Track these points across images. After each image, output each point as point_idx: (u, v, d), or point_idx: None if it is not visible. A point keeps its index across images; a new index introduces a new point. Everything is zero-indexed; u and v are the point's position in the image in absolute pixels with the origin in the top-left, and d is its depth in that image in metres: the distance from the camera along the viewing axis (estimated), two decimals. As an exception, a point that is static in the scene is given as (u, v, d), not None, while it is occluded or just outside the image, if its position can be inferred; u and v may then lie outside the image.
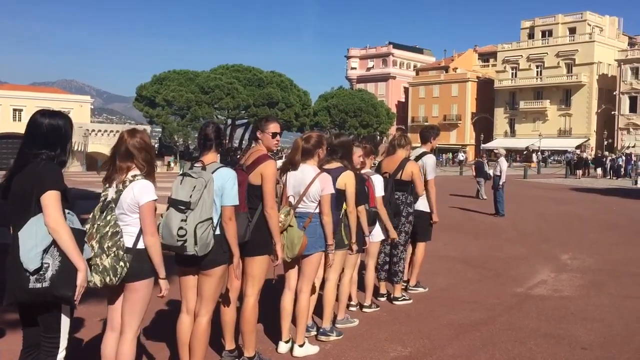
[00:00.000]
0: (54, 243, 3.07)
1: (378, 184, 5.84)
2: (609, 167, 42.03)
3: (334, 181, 4.87)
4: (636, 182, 31.99)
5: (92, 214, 3.57)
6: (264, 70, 67.84)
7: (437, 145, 10.84)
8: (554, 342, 5.22)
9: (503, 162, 16.07)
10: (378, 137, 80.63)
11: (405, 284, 6.82)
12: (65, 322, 3.23)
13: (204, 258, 3.83)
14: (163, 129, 64.31)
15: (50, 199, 3.06)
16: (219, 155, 4.08)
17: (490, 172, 19.71)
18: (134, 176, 3.53)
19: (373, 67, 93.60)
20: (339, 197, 4.94)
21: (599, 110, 66.29)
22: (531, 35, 73.37)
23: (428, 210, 6.76)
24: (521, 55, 72.77)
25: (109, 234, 3.44)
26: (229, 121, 66.45)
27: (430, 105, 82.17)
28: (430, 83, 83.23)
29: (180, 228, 3.68)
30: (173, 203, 3.78)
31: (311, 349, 4.83)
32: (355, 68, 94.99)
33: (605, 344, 5.18)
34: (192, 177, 3.81)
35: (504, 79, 74.24)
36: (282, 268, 4.74)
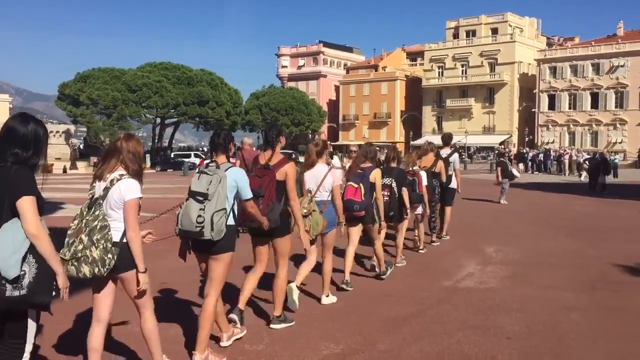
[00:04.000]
0: (30, 250, 3.10)
1: (424, 177, 8.93)
2: (530, 162, 43.92)
3: (368, 175, 6.82)
4: (580, 176, 32.98)
5: (80, 210, 3.80)
6: (193, 68, 66.69)
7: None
8: (481, 333, 5.38)
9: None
10: (310, 135, 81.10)
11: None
12: (31, 327, 3.26)
13: (215, 244, 4.38)
14: (88, 128, 62.09)
15: (28, 205, 3.09)
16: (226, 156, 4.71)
17: (514, 171, 19.64)
18: (122, 175, 3.80)
19: (304, 65, 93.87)
20: (371, 186, 6.81)
21: (520, 108, 69.15)
22: (456, 35, 75.62)
23: (455, 187, 10.79)
24: (447, 55, 74.88)
25: (98, 227, 3.65)
26: (158, 120, 64.93)
27: (360, 103, 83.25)
28: (361, 81, 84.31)
29: (199, 216, 4.26)
30: (192, 194, 4.38)
31: (333, 299, 6.43)
32: (286, 66, 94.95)
33: (529, 334, 5.38)
34: (208, 174, 4.41)
35: (431, 77, 76.19)
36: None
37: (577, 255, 9.60)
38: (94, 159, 52.32)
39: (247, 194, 4.61)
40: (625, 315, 6.02)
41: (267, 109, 73.47)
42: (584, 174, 30.79)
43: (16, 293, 3.03)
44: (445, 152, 10.88)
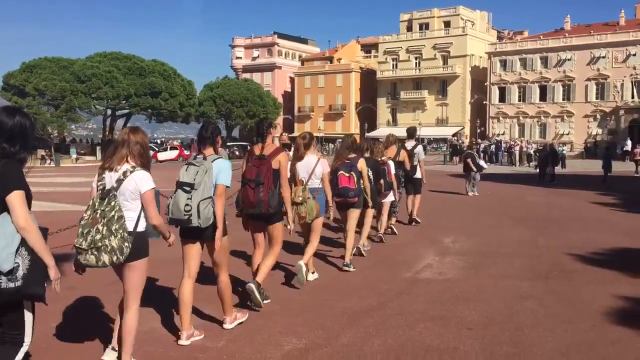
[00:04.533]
0: (22, 242, 3.17)
1: (392, 166, 9.65)
2: (482, 153, 44.81)
3: (355, 165, 7.54)
4: (536, 167, 33.34)
5: (91, 201, 3.97)
6: (145, 58, 65.22)
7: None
8: (442, 324, 5.43)
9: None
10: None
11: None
12: (29, 318, 3.36)
13: (204, 231, 4.75)
14: (34, 120, 59.92)
15: (17, 199, 3.16)
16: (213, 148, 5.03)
17: (482, 163, 19.45)
18: (134, 167, 4.01)
19: (258, 56, 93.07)
20: (359, 173, 7.55)
21: (472, 100, 70.37)
22: (410, 28, 76.24)
23: (421, 177, 11.48)
24: (401, 47, 75.45)
25: (115, 217, 3.85)
26: (109, 112, 63.34)
27: (316, 95, 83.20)
28: (316, 73, 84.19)
29: (187, 205, 4.62)
30: (180, 185, 4.72)
31: (316, 275, 7.17)
32: (240, 57, 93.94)
33: (488, 324, 5.46)
34: (195, 165, 4.75)
35: (386, 69, 76.69)
36: (301, 228, 7.03)
37: (530, 244, 9.83)
38: (41, 152, 50.72)
39: (224, 180, 4.88)
40: (580, 303, 6.18)
41: (221, 100, 72.55)
42: (535, 164, 31.54)
43: (11, 285, 3.12)
44: (410, 144, 11.46)
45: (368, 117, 76.75)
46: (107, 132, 65.17)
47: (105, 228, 3.82)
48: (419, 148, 11.76)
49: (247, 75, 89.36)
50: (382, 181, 8.98)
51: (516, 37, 76.99)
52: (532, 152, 42.86)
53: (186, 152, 49.86)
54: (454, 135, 63.83)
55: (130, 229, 3.95)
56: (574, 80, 62.98)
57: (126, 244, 3.87)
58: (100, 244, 3.81)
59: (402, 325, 5.42)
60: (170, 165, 39.10)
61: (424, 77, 73.40)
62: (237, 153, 49.35)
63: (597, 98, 62.06)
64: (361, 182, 7.65)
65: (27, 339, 3.37)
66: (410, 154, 11.16)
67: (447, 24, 73.31)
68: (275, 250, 5.96)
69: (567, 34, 64.76)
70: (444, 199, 17.48)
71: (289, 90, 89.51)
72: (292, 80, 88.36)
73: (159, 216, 4.12)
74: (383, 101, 77.36)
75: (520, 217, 13.29)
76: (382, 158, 9.43)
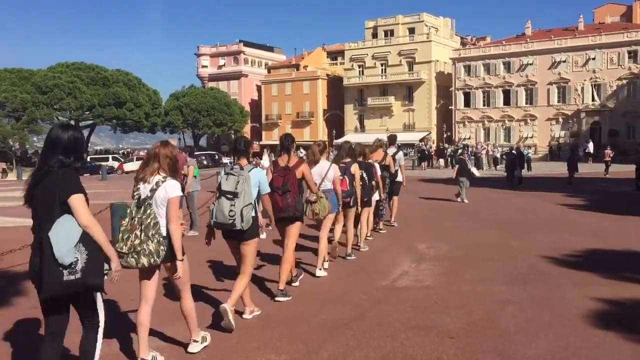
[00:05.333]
0: (80, 239, 3.53)
1: (378, 168, 10.35)
2: (449, 158, 45.25)
3: (349, 168, 8.42)
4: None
5: (129, 210, 4.42)
6: (108, 68, 64.22)
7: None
8: (423, 334, 5.32)
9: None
10: (232, 135, 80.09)
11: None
12: (99, 300, 3.80)
13: (244, 233, 5.39)
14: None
15: (79, 202, 3.57)
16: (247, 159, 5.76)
17: (473, 170, 18.77)
18: (165, 177, 4.45)
19: (224, 65, 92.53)
20: (351, 176, 8.44)
21: (438, 106, 71.13)
22: (375, 35, 76.76)
23: (401, 180, 12.30)
24: (367, 54, 75.90)
25: (152, 224, 4.29)
26: (72, 123, 62.04)
27: (283, 103, 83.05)
28: (282, 81, 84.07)
29: (231, 210, 5.25)
30: (223, 193, 5.33)
31: (324, 272, 7.88)
32: (206, 66, 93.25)
33: (470, 331, 5.37)
34: (234, 175, 5.35)
35: (352, 76, 77.01)
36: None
37: (504, 247, 9.83)
38: (2, 165, 49.32)
39: (266, 189, 5.82)
40: (559, 307, 6.15)
41: (187, 109, 71.88)
42: (501, 167, 31.99)
43: (72, 277, 3.49)
44: (391, 150, 12.09)
45: (336, 124, 76.90)
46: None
47: (143, 234, 4.27)
48: (400, 154, 12.67)
49: (213, 84, 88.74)
50: (373, 182, 9.69)
51: (479, 43, 78.32)
52: (498, 155, 43.48)
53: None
54: (421, 141, 64.30)
55: (165, 233, 4.39)
56: (536, 85, 64.24)
57: (162, 247, 4.33)
58: (139, 248, 4.26)
59: (383, 336, 5.29)
60: (137, 176, 38.47)
61: (390, 83, 73.93)
62: (205, 162, 48.48)
63: (559, 101, 63.40)
64: (354, 184, 8.52)
65: (102, 317, 3.83)
66: (392, 159, 11.84)
67: (411, 31, 74.05)
68: (291, 247, 6.71)
69: (528, 39, 66.10)
70: (415, 204, 17.48)
71: (256, 98, 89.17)
72: (259, 88, 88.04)
73: (178, 223, 4.43)
74: (350, 108, 77.63)
75: (492, 221, 13.35)
76: (369, 161, 10.03)
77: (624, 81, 59.56)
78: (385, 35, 75.43)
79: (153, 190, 4.40)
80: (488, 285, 7.15)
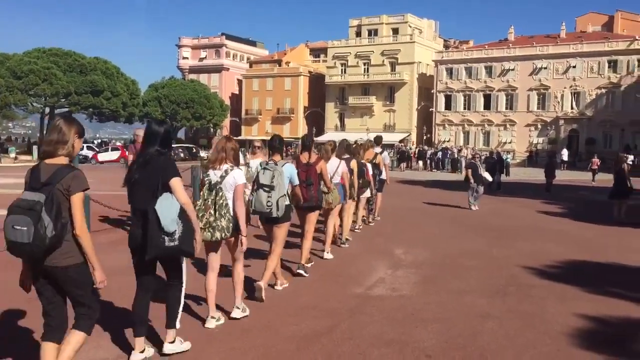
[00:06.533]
0: (178, 214, 4.24)
1: (370, 167, 11.11)
2: (429, 160, 45.15)
3: (348, 165, 9.34)
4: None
5: (201, 193, 5.30)
6: (86, 55, 62.84)
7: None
8: (398, 350, 4.95)
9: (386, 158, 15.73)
10: (211, 129, 79.19)
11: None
12: (184, 268, 4.81)
13: (279, 218, 6.31)
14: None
15: (179, 183, 4.34)
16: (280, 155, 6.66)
17: (485, 175, 17.29)
18: (232, 166, 5.33)
19: (206, 57, 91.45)
20: (351, 171, 9.48)
21: (419, 107, 71.10)
22: (359, 34, 76.41)
23: (385, 179, 12.87)
24: (350, 53, 75.54)
25: (223, 204, 5.17)
26: (47, 110, 60.62)
27: (264, 98, 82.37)
28: (264, 76, 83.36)
29: (268, 201, 6.11)
30: (260, 186, 6.18)
31: (331, 255, 9.00)
32: (187, 58, 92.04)
33: (449, 348, 5.01)
34: (269, 170, 6.19)
35: (334, 74, 76.60)
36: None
37: (484, 255, 9.52)
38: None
39: (296, 181, 6.77)
40: (540, 323, 5.82)
41: (166, 101, 70.78)
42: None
43: (171, 244, 4.22)
44: (377, 150, 12.78)
45: (316, 122, 76.40)
46: (44, 131, 62.41)
47: (217, 212, 5.13)
48: (385, 154, 13.74)
49: (193, 76, 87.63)
50: (361, 180, 10.38)
51: (462, 46, 78.39)
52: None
53: (127, 153, 47.40)
54: (401, 142, 64.20)
55: (231, 212, 5.24)
56: (517, 90, 64.47)
57: (230, 224, 5.20)
58: (214, 224, 5.12)
59: (355, 352, 4.89)
60: (111, 167, 37.66)
61: (372, 83, 73.69)
62: (182, 155, 47.46)
63: (538, 108, 63.71)
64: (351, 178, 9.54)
65: (185, 279, 4.85)
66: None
67: (395, 31, 73.86)
68: (309, 234, 7.80)
69: (510, 45, 66.27)
70: (393, 206, 17.13)
71: (237, 92, 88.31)
72: (239, 82, 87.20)
73: (243, 203, 5.35)
74: (331, 106, 77.22)
75: (471, 226, 13.06)
76: (362, 160, 10.78)
77: (603, 90, 60.07)
78: (369, 34, 75.13)
79: (222, 177, 5.26)
80: (467, 297, 6.80)
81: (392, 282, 7.50)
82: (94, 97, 59.36)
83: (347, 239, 10.09)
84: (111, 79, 62.04)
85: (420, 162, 45.38)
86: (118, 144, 69.37)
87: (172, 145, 4.82)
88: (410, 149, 52.19)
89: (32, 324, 5.11)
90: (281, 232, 6.53)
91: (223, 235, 5.13)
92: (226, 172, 5.26)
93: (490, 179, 18.21)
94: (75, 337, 3.70)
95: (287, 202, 6.35)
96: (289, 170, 6.58)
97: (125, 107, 64.04)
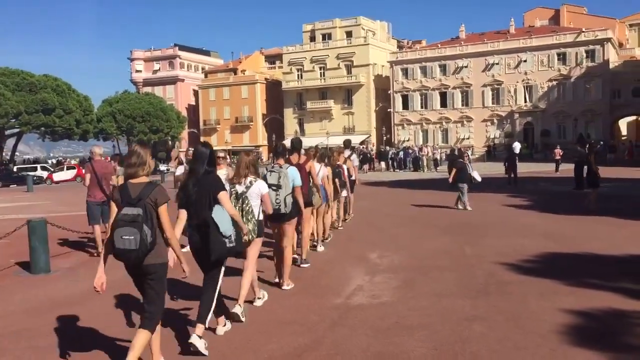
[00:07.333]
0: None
1: (345, 168, 12.17)
2: (391, 160, 45.29)
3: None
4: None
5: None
6: (35, 73, 61.10)
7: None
8: (388, 362, 4.72)
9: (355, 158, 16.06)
10: (169, 142, 77.92)
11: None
12: (222, 270, 5.33)
13: (287, 215, 6.99)
14: None
15: (226, 196, 5.19)
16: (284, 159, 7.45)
17: (475, 174, 16.40)
18: (255, 178, 6.23)
19: (159, 69, 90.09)
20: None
21: (377, 108, 71.50)
22: (313, 38, 76.42)
23: (354, 179, 13.47)
24: (305, 58, 75.46)
25: (250, 210, 5.91)
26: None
27: (221, 108, 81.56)
28: (220, 85, 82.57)
29: (277, 199, 6.81)
30: (269, 186, 6.68)
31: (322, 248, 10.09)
32: (140, 71, 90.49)
33: (439, 357, 4.82)
34: (275, 172, 6.95)
35: (291, 80, 76.39)
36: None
37: (459, 255, 9.41)
38: None
39: (299, 182, 7.31)
40: (528, 322, 5.69)
41: (121, 115, 69.38)
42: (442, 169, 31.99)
43: (231, 245, 5.05)
44: (346, 153, 13.52)
45: (276, 128, 76.06)
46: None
47: (244, 218, 5.74)
48: (354, 156, 15.05)
49: (148, 89, 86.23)
50: (340, 180, 11.39)
51: (415, 46, 79.23)
52: (438, 157, 43.80)
53: (83, 171, 45.86)
54: (361, 144, 64.34)
55: (256, 217, 6.03)
56: (471, 87, 65.49)
57: (256, 227, 5.94)
58: None
59: (344, 368, 4.65)
60: (67, 186, 36.51)
61: (329, 87, 73.77)
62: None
63: (493, 103, 64.83)
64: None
65: (220, 281, 5.25)
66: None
67: (349, 34, 74.15)
68: (307, 227, 8.71)
69: (462, 43, 67.30)
70: (361, 209, 16.97)
71: (193, 103, 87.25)
72: (195, 93, 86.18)
73: (271, 209, 6.35)
74: (290, 112, 76.98)
75: (442, 225, 12.97)
76: (337, 163, 11.57)
77: (554, 82, 61.54)
78: (323, 38, 75.24)
79: (248, 187, 6.10)
80: (450, 299, 6.63)
81: (371, 289, 7.29)
82: (45, 116, 57.79)
83: (329, 235, 10.97)
84: (62, 97, 60.51)
85: (383, 163, 45.48)
86: (73, 162, 67.52)
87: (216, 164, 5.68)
88: (372, 150, 52.25)
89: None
90: (290, 229, 7.19)
91: (250, 237, 5.78)
92: (250, 183, 6.15)
93: (479, 179, 16.98)
94: (142, 336, 4.27)
95: (293, 200, 7.01)
96: (292, 172, 7.17)
97: (78, 124, 62.59)
